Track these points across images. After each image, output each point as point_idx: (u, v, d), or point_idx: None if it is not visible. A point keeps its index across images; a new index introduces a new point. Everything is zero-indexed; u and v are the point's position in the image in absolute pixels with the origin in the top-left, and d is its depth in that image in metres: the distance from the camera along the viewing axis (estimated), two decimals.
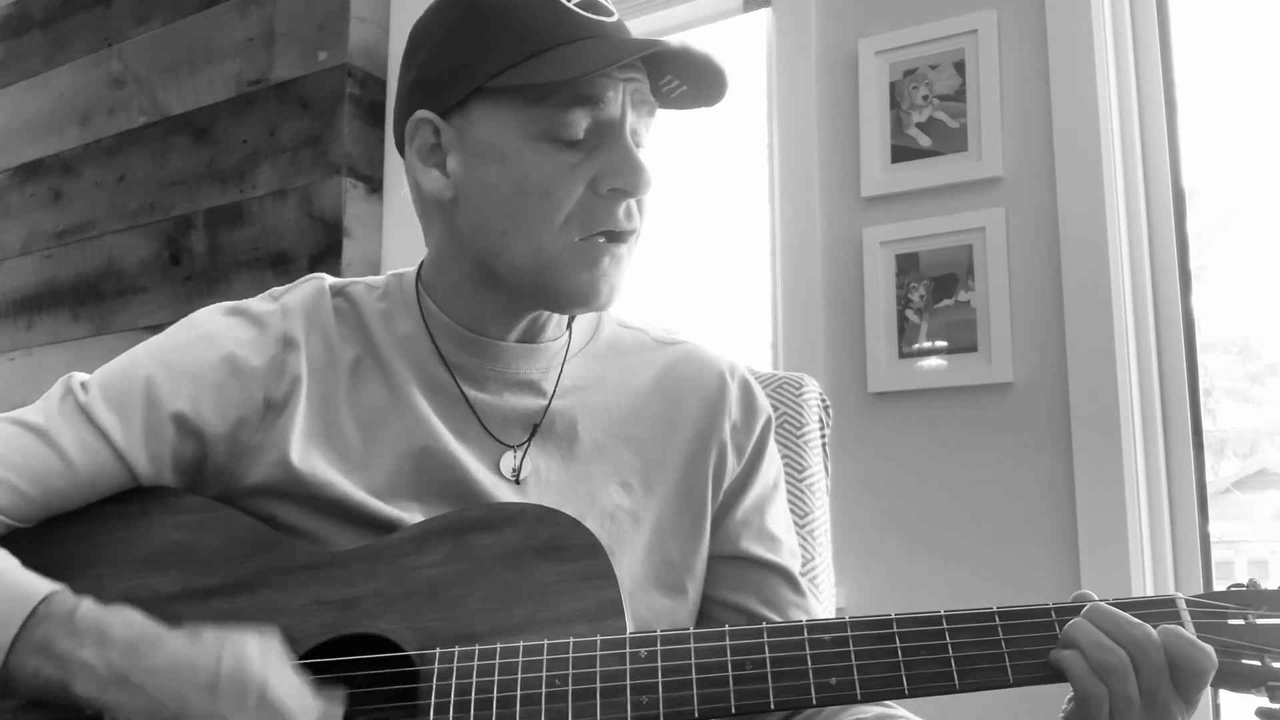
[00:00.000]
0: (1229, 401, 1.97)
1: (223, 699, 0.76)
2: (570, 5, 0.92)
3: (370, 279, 1.05)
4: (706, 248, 2.29)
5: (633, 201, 0.93)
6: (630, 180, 0.91)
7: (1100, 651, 0.77)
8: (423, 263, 1.04)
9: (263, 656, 0.79)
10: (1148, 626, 0.78)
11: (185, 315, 1.00)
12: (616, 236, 0.93)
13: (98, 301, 2.75)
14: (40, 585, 0.83)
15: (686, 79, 0.94)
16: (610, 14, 0.94)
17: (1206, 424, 1.76)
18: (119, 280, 2.72)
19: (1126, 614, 0.79)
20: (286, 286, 1.02)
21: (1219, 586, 1.69)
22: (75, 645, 0.79)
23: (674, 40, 0.91)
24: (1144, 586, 1.66)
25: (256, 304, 1.00)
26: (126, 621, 0.81)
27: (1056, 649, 0.79)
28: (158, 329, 0.99)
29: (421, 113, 0.94)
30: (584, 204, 0.91)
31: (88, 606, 0.82)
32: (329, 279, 1.03)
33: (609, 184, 0.91)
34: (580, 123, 0.90)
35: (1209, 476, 1.75)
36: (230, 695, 0.76)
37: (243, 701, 0.76)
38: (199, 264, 2.58)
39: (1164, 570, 1.69)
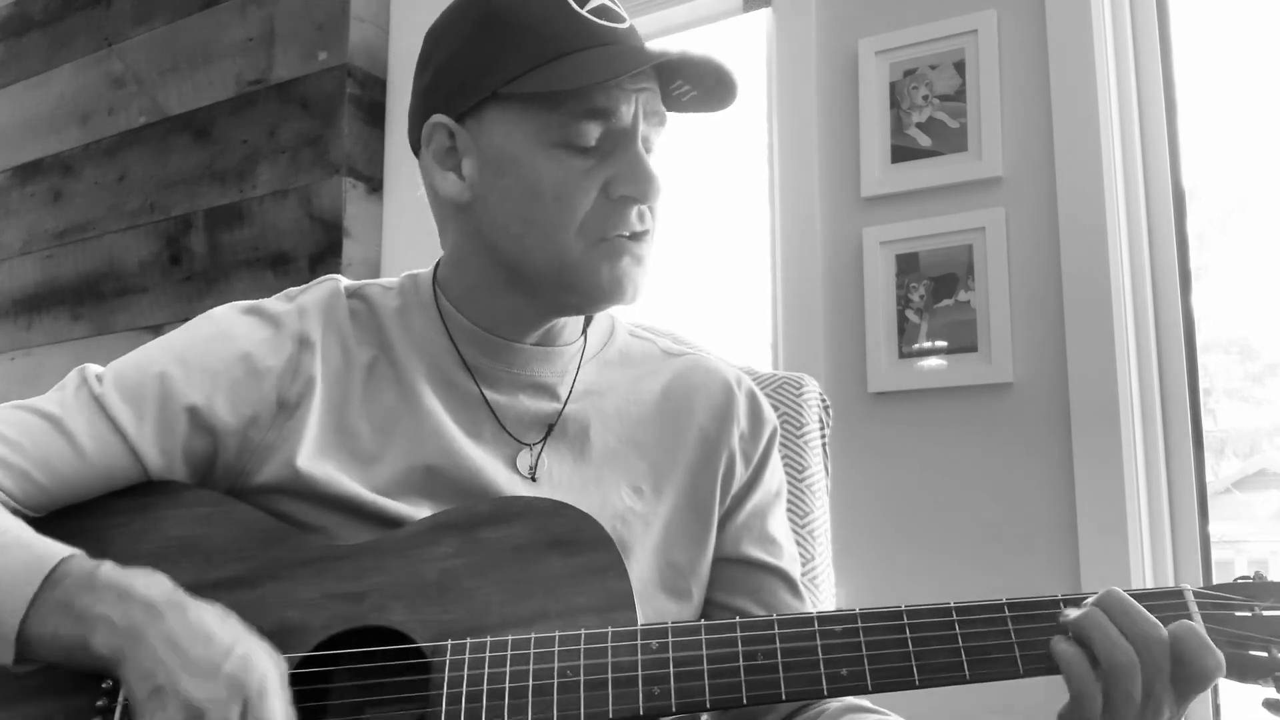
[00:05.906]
0: (1229, 401, 1.96)
1: (216, 687, 0.76)
2: (582, 12, 0.93)
3: (384, 280, 1.06)
4: (707, 248, 2.29)
5: (644, 206, 0.95)
6: (641, 188, 0.93)
7: (1115, 651, 0.76)
8: (439, 263, 1.05)
9: (267, 672, 0.79)
10: (1160, 625, 0.76)
11: (185, 315, 1.00)
12: (632, 237, 0.94)
13: (98, 301, 2.74)
14: (59, 548, 0.83)
15: (697, 84, 0.96)
16: (622, 20, 0.95)
17: (1206, 424, 1.76)
18: (119, 280, 2.71)
19: (1140, 606, 0.77)
20: (302, 287, 1.03)
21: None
22: (94, 600, 0.80)
23: (679, 46, 0.92)
24: (1144, 586, 1.66)
25: (273, 304, 1.00)
26: (149, 582, 0.82)
27: (1062, 642, 0.78)
28: (158, 329, 0.99)
29: (437, 117, 0.96)
30: (598, 209, 0.93)
31: (109, 567, 0.82)
32: (344, 280, 1.04)
33: (620, 190, 0.93)
34: (593, 131, 0.92)
35: (1209, 476, 1.74)
36: (225, 687, 0.77)
37: (233, 699, 0.76)
38: (199, 264, 2.58)
39: (1164, 570, 1.69)
